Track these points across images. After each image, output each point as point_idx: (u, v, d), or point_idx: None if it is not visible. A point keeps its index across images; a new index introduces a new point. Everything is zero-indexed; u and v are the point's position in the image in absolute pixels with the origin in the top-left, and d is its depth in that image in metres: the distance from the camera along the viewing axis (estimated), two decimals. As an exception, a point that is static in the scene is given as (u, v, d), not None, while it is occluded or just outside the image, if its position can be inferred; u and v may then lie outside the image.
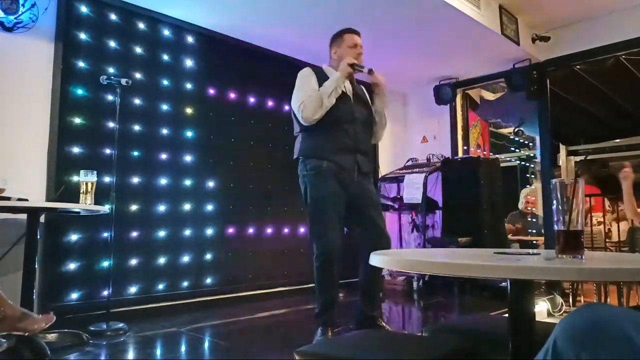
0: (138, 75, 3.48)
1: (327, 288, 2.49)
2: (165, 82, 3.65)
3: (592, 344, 0.69)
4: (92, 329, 2.72)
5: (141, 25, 3.55)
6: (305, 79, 2.58)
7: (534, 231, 5.26)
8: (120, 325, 2.81)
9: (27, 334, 2.08)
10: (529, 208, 5.37)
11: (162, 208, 3.54)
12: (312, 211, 2.54)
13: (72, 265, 3.08)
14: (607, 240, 4.54)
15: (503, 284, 1.08)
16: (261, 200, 4.18)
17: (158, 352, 2.58)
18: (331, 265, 2.48)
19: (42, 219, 2.78)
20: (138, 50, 3.52)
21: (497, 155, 6.35)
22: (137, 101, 3.47)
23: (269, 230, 4.22)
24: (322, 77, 2.60)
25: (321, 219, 2.49)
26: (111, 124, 3.23)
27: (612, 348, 0.68)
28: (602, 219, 4.45)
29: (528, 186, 6.71)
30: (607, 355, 0.68)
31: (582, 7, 4.13)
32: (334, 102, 2.50)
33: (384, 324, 2.68)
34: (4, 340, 2.06)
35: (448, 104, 5.29)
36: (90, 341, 2.57)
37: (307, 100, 2.46)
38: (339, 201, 2.53)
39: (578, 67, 4.68)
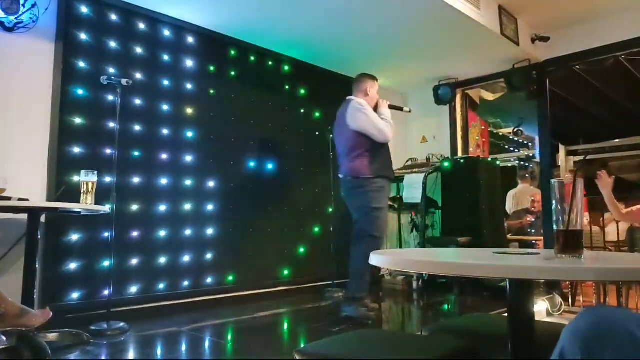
0: (138, 75, 3.48)
1: (371, 272, 3.28)
2: (166, 82, 3.65)
3: (598, 345, 0.70)
4: (93, 328, 2.72)
5: (141, 25, 3.55)
6: (371, 110, 3.33)
7: (534, 231, 5.27)
8: (121, 324, 2.81)
9: (26, 329, 2.09)
10: (533, 208, 5.38)
11: (162, 208, 3.54)
12: (374, 216, 3.25)
13: (72, 265, 3.08)
14: (605, 240, 4.55)
15: (503, 284, 1.09)
16: (261, 200, 4.19)
17: (158, 351, 2.58)
18: None
19: (42, 218, 2.79)
20: (138, 50, 3.52)
21: (496, 156, 6.35)
22: (137, 101, 3.48)
23: (269, 230, 4.22)
24: None
25: (379, 223, 3.26)
26: (112, 124, 3.23)
27: (617, 347, 0.68)
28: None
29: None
30: (613, 356, 0.68)
31: (582, 7, 4.13)
32: None
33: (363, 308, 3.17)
34: (4, 337, 2.06)
35: (448, 104, 5.29)
36: (91, 341, 2.58)
37: (388, 125, 3.33)
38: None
39: (578, 67, 4.68)
